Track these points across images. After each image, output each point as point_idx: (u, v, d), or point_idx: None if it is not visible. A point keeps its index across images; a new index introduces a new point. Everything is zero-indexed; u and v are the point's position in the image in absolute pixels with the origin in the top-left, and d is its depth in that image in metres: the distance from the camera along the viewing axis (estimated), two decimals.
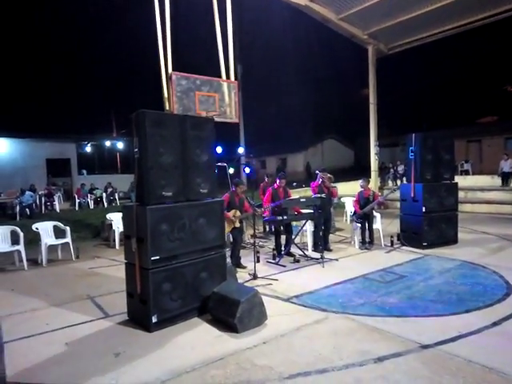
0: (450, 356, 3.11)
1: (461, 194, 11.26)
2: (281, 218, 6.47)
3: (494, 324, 3.69)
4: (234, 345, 3.50)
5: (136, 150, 3.93)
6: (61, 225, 7.73)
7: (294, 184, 16.14)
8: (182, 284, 4.09)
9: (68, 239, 7.54)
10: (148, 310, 3.85)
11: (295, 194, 8.69)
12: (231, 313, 3.77)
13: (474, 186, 13.84)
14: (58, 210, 15.29)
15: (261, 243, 8.24)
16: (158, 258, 3.88)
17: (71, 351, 3.56)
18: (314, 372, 2.97)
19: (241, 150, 14.18)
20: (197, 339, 3.68)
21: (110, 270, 6.51)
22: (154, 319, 3.86)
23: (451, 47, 28.21)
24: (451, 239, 7.52)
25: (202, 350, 3.45)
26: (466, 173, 19.36)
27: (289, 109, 40.67)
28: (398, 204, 8.07)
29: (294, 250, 7.01)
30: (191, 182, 4.27)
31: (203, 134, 4.38)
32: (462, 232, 8.12)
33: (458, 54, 33.32)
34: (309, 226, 7.41)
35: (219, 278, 4.41)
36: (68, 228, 7.63)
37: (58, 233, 7.78)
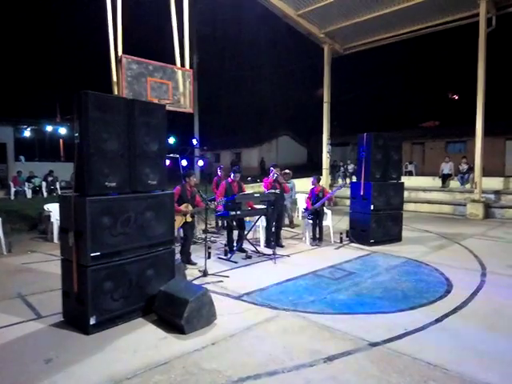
0: (397, 354, 3.14)
1: (405, 194, 11.79)
2: (234, 213, 6.31)
3: (437, 321, 3.81)
4: (180, 347, 3.30)
5: (76, 134, 3.56)
6: None
7: (249, 179, 16.02)
8: (126, 282, 3.80)
9: None
10: (86, 311, 3.52)
11: (249, 189, 8.60)
12: (178, 313, 3.56)
13: (417, 186, 14.59)
14: None
15: (213, 238, 8.05)
16: (98, 254, 3.55)
17: None
18: (264, 374, 2.86)
19: (194, 142, 13.77)
20: (140, 341, 3.42)
21: (45, 265, 5.98)
22: (93, 321, 3.54)
23: (399, 53, 29.61)
24: (396, 237, 7.81)
25: (145, 353, 3.21)
26: (410, 173, 20.41)
27: (245, 103, 40.50)
28: (348, 201, 8.25)
29: (246, 245, 6.89)
30: (139, 172, 3.97)
31: (153, 121, 4.09)
32: (406, 230, 8.48)
33: (406, 59, 35.11)
34: (261, 222, 7.34)
35: (167, 276, 4.17)
36: None
37: None
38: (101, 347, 3.31)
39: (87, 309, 3.51)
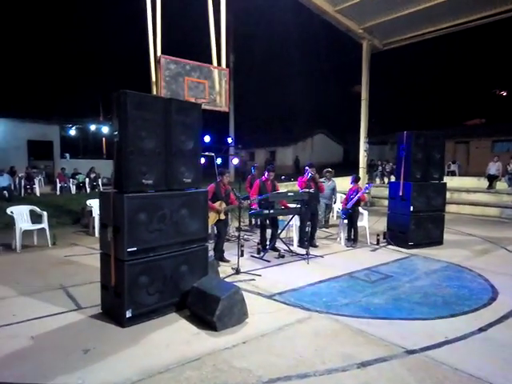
0: (436, 363, 2.99)
1: (447, 195, 11.30)
2: (267, 211, 6.29)
3: (480, 330, 3.59)
4: (211, 344, 3.32)
5: (116, 132, 3.67)
6: (37, 209, 7.40)
7: (283, 177, 15.93)
8: (160, 277, 3.88)
9: (44, 225, 7.22)
10: (122, 304, 3.63)
11: (283, 188, 8.53)
12: (210, 310, 3.59)
13: (460, 187, 13.90)
14: (38, 194, 14.80)
15: (245, 236, 8.07)
16: (134, 249, 3.65)
17: (37, 346, 3.33)
18: (294, 377, 2.82)
19: (229, 141, 13.88)
20: (173, 336, 3.49)
21: (86, 258, 6.24)
22: (129, 314, 3.65)
23: (444, 48, 28.33)
24: (437, 240, 7.46)
25: (177, 348, 3.27)
26: (453, 173, 19.51)
27: (280, 101, 40.39)
28: (386, 202, 7.98)
29: (279, 244, 6.85)
30: (174, 170, 4.04)
31: (189, 119, 4.14)
32: (448, 233, 8.09)
33: (450, 54, 33.53)
34: (295, 221, 7.26)
35: (200, 273, 4.22)
36: (45, 213, 7.31)
37: (36, 217, 7.45)
38: (135, 340, 3.40)
39: (124, 302, 3.62)
